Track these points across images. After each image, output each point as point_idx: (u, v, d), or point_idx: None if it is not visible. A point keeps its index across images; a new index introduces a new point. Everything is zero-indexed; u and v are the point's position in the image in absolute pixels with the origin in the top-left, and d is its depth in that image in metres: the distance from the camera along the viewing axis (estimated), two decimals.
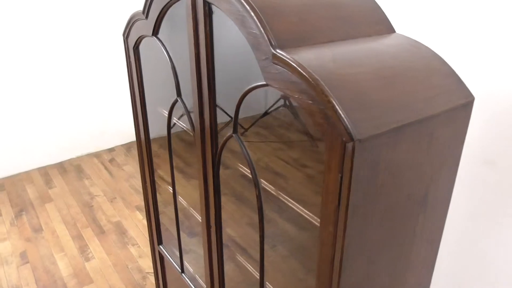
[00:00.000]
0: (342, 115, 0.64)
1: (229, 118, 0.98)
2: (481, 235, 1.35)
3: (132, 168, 3.56)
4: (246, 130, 1.34)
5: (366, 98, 0.69)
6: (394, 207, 0.77)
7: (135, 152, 3.82)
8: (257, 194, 0.93)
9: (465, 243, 1.40)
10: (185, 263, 1.50)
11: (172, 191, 1.38)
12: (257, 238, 1.28)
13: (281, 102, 1.58)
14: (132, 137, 4.01)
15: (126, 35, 1.33)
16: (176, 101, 1.17)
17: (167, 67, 1.39)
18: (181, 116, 1.24)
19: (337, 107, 0.64)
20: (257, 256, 1.18)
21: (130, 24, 1.28)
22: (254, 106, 1.19)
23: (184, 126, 1.30)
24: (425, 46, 0.86)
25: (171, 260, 1.57)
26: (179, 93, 1.16)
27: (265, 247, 1.00)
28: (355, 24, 0.85)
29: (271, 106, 1.56)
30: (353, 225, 0.71)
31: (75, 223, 2.87)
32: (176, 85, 1.15)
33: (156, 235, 1.63)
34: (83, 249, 2.64)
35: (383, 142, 0.67)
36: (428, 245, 0.93)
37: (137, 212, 2.99)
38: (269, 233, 1.00)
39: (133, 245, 2.67)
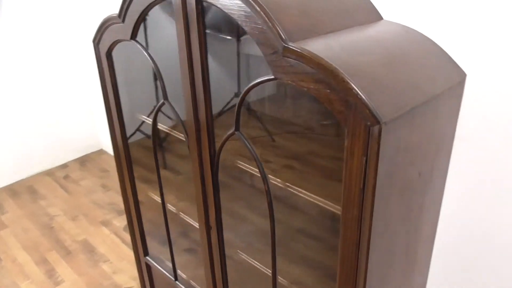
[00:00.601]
0: (366, 100, 0.66)
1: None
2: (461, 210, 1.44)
3: (90, 182, 3.40)
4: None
5: (380, 83, 0.72)
6: (408, 185, 0.81)
7: (90, 165, 3.65)
8: (266, 189, 0.93)
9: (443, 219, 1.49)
10: (178, 271, 1.47)
11: (160, 196, 1.34)
12: (261, 235, 1.29)
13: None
14: (86, 150, 3.83)
15: (97, 41, 1.27)
16: (162, 104, 1.14)
17: (145, 72, 1.35)
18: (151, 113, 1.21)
19: (360, 93, 0.66)
20: (263, 252, 1.18)
21: (103, 30, 1.23)
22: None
23: (165, 129, 1.27)
24: (412, 29, 0.91)
25: (161, 269, 1.52)
26: (165, 96, 1.13)
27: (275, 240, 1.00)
28: (349, 13, 0.88)
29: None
30: (377, 206, 0.73)
31: (37, 248, 2.70)
32: (162, 88, 1.12)
33: (141, 246, 1.57)
34: (51, 273, 2.48)
35: (401, 123, 0.71)
36: (431, 221, 0.99)
37: (103, 227, 2.87)
38: (278, 228, 1.00)
39: (104, 262, 2.56)
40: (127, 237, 2.76)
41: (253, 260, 1.15)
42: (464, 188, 1.40)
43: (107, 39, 1.24)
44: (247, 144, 0.93)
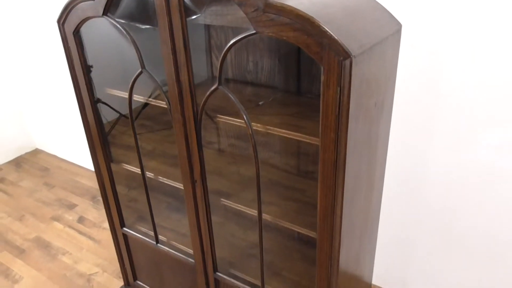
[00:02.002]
0: (338, 40, 0.84)
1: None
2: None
3: (30, 182, 3.28)
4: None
5: (344, 29, 0.90)
6: (368, 113, 1.02)
7: (27, 166, 3.51)
8: (251, 133, 1.09)
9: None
10: (159, 236, 1.57)
11: (133, 165, 1.43)
12: (243, 181, 1.44)
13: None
14: (19, 151, 3.66)
15: (63, 21, 1.32)
16: (140, 73, 1.24)
17: (116, 46, 1.43)
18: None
19: (333, 35, 0.84)
20: (246, 197, 1.34)
21: (69, 9, 1.28)
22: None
23: (142, 99, 1.37)
24: None
25: (141, 236, 1.61)
26: (143, 65, 1.23)
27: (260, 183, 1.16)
28: None
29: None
30: (350, 129, 0.92)
31: None
32: (139, 58, 1.22)
33: (118, 217, 1.64)
34: (6, 273, 2.41)
35: (364, 58, 0.90)
36: (383, 147, 1.22)
37: (55, 222, 2.82)
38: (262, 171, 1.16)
39: (63, 254, 2.54)
40: (83, 228, 2.75)
41: (237, 205, 1.31)
42: (404, 119, 1.67)
43: (73, 18, 1.29)
44: (231, 96, 1.08)
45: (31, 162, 3.56)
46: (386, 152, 1.28)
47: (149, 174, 1.48)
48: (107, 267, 2.42)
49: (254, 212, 1.25)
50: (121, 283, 2.28)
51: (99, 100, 1.45)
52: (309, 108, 1.22)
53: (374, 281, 2.13)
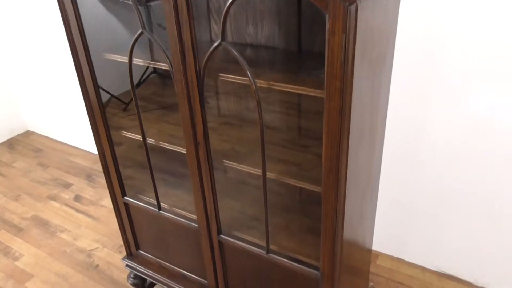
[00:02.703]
0: None
1: None
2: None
3: (24, 163, 3.26)
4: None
5: None
6: (371, 63, 1.03)
7: (20, 147, 3.48)
8: (255, 89, 1.09)
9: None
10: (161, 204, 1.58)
11: (139, 122, 1.42)
12: (246, 143, 1.45)
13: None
14: (11, 133, 3.62)
15: None
16: (141, 34, 1.23)
17: (114, 12, 1.41)
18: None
19: None
20: (249, 159, 1.35)
21: None
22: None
23: (141, 62, 1.36)
24: None
25: (143, 204, 1.62)
26: (143, 26, 1.22)
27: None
28: None
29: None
30: (355, 77, 0.93)
31: None
32: (139, 18, 1.20)
33: (119, 187, 1.65)
34: (6, 250, 2.41)
35: (368, 5, 0.90)
36: (384, 100, 1.23)
37: (52, 201, 2.81)
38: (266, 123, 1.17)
39: (62, 231, 2.54)
40: (80, 206, 2.75)
41: (241, 165, 1.32)
42: (401, 80, 1.69)
43: None
44: (234, 51, 1.07)
45: (24, 144, 3.53)
46: (386, 109, 1.30)
47: (150, 140, 1.48)
48: (107, 242, 2.43)
49: (257, 171, 1.26)
50: (122, 258, 2.29)
51: (99, 87, 1.45)
52: (311, 66, 1.23)
53: (374, 247, 2.17)
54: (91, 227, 2.56)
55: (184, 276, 1.69)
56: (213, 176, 1.35)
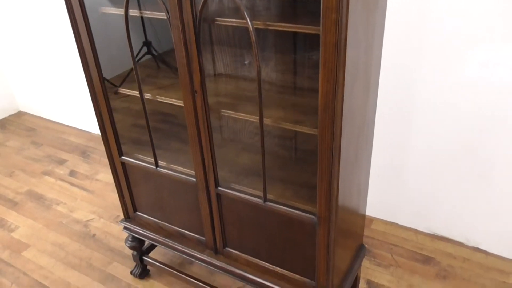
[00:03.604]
0: None
1: None
2: None
3: (17, 142, 3.24)
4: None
5: None
6: (365, 22, 1.05)
7: (12, 127, 3.46)
8: (251, 30, 1.11)
9: None
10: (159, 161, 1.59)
11: (135, 75, 1.43)
12: (243, 95, 1.46)
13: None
14: (3, 114, 3.60)
15: None
16: None
17: None
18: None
19: None
20: (245, 109, 1.37)
21: None
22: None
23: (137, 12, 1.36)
24: None
25: (140, 162, 1.63)
26: None
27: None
28: None
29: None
30: (350, 7, 0.95)
31: None
32: None
33: (116, 146, 1.65)
34: (1, 223, 2.41)
35: None
36: (378, 40, 1.26)
37: (46, 177, 2.81)
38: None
39: (57, 204, 2.54)
40: (75, 180, 2.75)
41: (238, 113, 1.33)
42: (393, 41, 1.71)
43: None
44: None
45: (16, 124, 3.51)
46: (381, 50, 1.33)
47: (147, 95, 1.49)
48: (103, 213, 2.44)
49: (254, 118, 1.28)
50: (118, 227, 2.31)
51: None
52: (307, 8, 1.24)
53: (368, 212, 2.19)
54: (87, 199, 2.57)
55: (182, 235, 1.71)
56: (211, 127, 1.36)
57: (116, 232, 2.28)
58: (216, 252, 1.64)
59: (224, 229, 1.56)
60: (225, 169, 1.53)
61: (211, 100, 1.35)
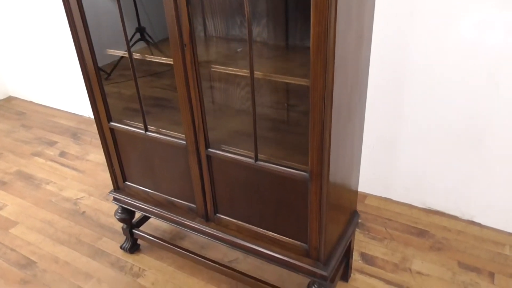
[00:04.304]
0: None
1: None
2: None
3: (6, 125, 3.19)
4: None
5: None
6: None
7: (1, 111, 3.41)
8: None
9: None
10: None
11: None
12: (233, 52, 1.43)
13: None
14: None
15: None
16: None
17: None
18: None
19: None
20: (236, 65, 1.34)
21: None
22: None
23: None
24: None
25: (130, 128, 1.59)
26: None
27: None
28: None
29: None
30: None
31: None
32: None
33: (104, 112, 1.62)
34: None
35: None
36: (369, 22, 1.23)
37: (36, 157, 2.76)
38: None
39: (47, 183, 2.50)
40: (65, 161, 2.71)
41: (229, 68, 1.30)
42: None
43: None
44: None
45: (6, 108, 3.46)
46: (373, 6, 1.30)
47: (136, 55, 1.45)
48: (93, 192, 2.40)
49: (245, 73, 1.25)
50: (109, 204, 2.27)
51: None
52: None
53: (361, 188, 2.17)
54: (77, 179, 2.52)
55: (172, 203, 1.67)
56: (201, 84, 1.33)
57: (107, 209, 2.24)
58: (207, 219, 1.61)
59: (215, 194, 1.53)
60: (215, 132, 1.49)
61: (201, 58, 1.32)
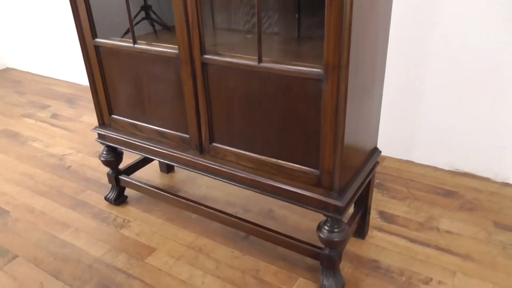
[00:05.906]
0: None
1: None
2: None
3: (1, 91, 3.02)
4: None
5: None
6: None
7: None
8: None
9: None
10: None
11: None
12: None
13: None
14: None
15: None
16: None
17: None
18: None
19: None
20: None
21: None
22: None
23: None
24: None
25: (116, 42, 1.39)
26: None
27: None
28: None
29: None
30: None
31: None
32: None
33: (90, 27, 1.42)
34: None
35: None
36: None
37: (26, 118, 2.57)
38: None
39: (33, 141, 2.30)
40: (57, 122, 2.52)
41: None
42: None
43: None
44: None
45: (2, 77, 3.30)
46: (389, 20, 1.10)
47: None
48: (82, 149, 2.19)
49: None
50: (98, 161, 2.05)
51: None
52: None
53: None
54: (66, 137, 2.32)
55: (162, 134, 1.45)
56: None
57: (94, 165, 2.02)
58: (201, 150, 1.38)
59: (211, 115, 1.30)
60: (211, 41, 1.28)
61: None
